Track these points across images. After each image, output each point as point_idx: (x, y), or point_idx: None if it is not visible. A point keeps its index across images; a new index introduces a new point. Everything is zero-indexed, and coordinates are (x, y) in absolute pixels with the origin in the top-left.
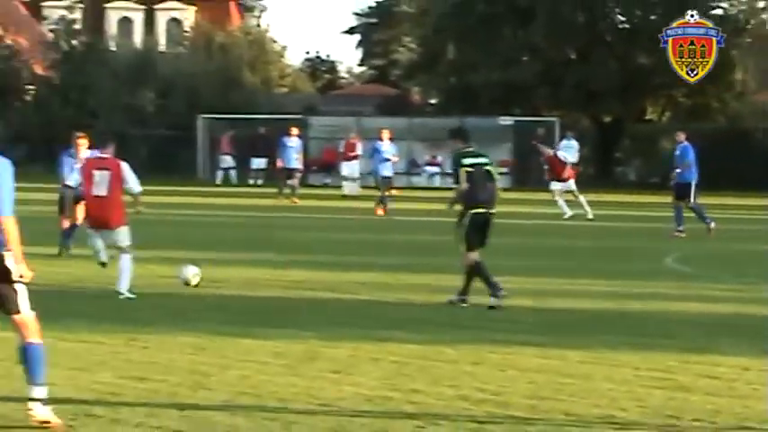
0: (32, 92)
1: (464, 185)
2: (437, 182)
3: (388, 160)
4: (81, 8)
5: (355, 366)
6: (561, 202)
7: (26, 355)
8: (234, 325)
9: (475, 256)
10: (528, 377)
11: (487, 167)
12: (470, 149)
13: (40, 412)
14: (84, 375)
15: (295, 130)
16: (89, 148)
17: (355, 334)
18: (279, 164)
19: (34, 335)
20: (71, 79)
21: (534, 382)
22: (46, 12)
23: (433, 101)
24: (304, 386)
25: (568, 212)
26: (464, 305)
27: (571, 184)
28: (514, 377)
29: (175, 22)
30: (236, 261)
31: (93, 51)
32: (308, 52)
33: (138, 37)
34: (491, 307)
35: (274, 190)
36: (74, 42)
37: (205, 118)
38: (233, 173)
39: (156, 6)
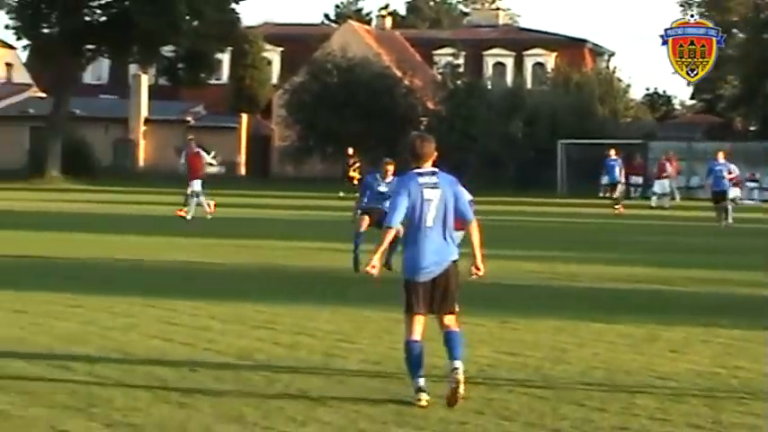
0: (425, 122)
1: None
2: (755, 195)
3: (723, 177)
4: (464, 55)
5: (688, 346)
6: None
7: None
8: (587, 311)
9: None
10: None
11: None
12: None
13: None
14: (468, 350)
15: (613, 151)
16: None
17: (687, 319)
18: (604, 180)
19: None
20: (456, 112)
21: None
22: (436, 58)
23: (752, 128)
24: (645, 362)
25: None
26: None
27: None
28: None
29: (539, 65)
30: (589, 259)
31: (473, 89)
32: (647, 88)
33: (509, 77)
34: None
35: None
36: (458, 82)
37: (563, 143)
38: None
39: (524, 53)
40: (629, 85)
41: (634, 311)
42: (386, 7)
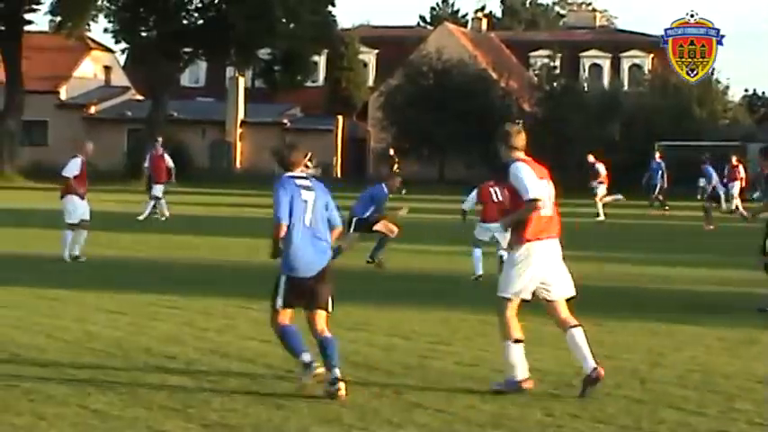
0: (520, 124)
1: None
2: None
3: None
4: (560, 57)
5: None
6: None
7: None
8: (682, 313)
9: None
10: None
11: None
12: None
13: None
14: (564, 354)
15: (658, 154)
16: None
17: None
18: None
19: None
20: (552, 114)
21: None
22: (532, 60)
23: None
24: (743, 365)
25: None
26: None
27: None
28: None
29: (636, 67)
30: (680, 261)
31: (569, 91)
32: (746, 90)
33: (605, 79)
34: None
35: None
36: (554, 84)
37: (660, 145)
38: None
39: (621, 54)
40: (727, 87)
41: (730, 314)
42: (482, 9)
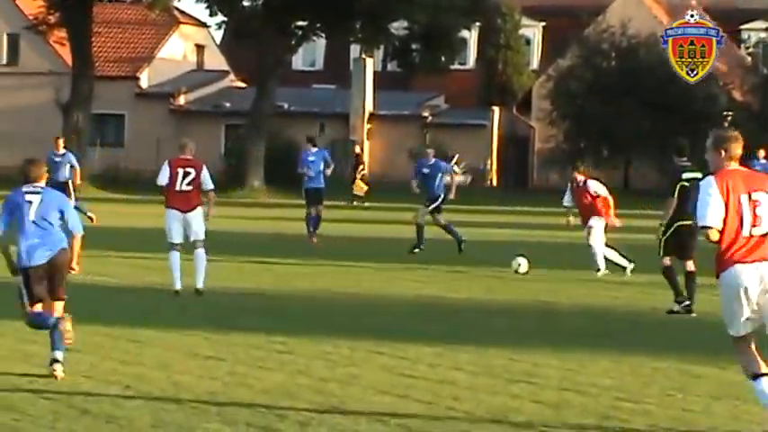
0: (729, 118)
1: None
2: None
3: None
4: None
5: None
6: None
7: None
8: None
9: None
10: None
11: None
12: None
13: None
14: None
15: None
16: None
17: None
18: None
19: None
20: None
21: None
22: (744, 34)
23: None
24: None
25: None
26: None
27: None
28: None
29: None
30: None
31: None
32: None
33: None
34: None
35: None
36: None
37: None
38: None
39: None
40: None
41: None
42: None
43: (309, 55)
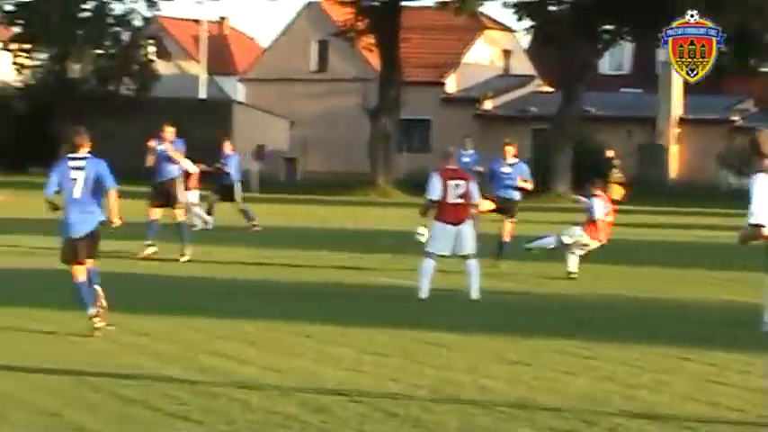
0: None
1: None
2: None
3: None
4: None
5: None
6: None
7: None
8: None
9: None
10: None
11: None
12: None
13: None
14: None
15: None
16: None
17: None
18: None
19: None
20: None
21: None
22: None
23: None
24: None
25: None
26: None
27: None
28: None
29: None
30: None
31: None
32: None
33: None
34: None
35: None
36: None
37: None
38: None
39: None
40: None
41: None
42: None
43: (616, 59)
